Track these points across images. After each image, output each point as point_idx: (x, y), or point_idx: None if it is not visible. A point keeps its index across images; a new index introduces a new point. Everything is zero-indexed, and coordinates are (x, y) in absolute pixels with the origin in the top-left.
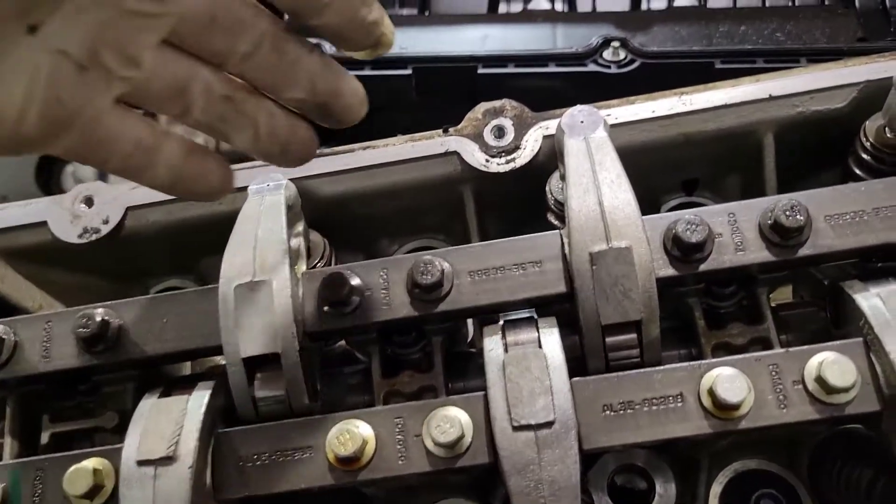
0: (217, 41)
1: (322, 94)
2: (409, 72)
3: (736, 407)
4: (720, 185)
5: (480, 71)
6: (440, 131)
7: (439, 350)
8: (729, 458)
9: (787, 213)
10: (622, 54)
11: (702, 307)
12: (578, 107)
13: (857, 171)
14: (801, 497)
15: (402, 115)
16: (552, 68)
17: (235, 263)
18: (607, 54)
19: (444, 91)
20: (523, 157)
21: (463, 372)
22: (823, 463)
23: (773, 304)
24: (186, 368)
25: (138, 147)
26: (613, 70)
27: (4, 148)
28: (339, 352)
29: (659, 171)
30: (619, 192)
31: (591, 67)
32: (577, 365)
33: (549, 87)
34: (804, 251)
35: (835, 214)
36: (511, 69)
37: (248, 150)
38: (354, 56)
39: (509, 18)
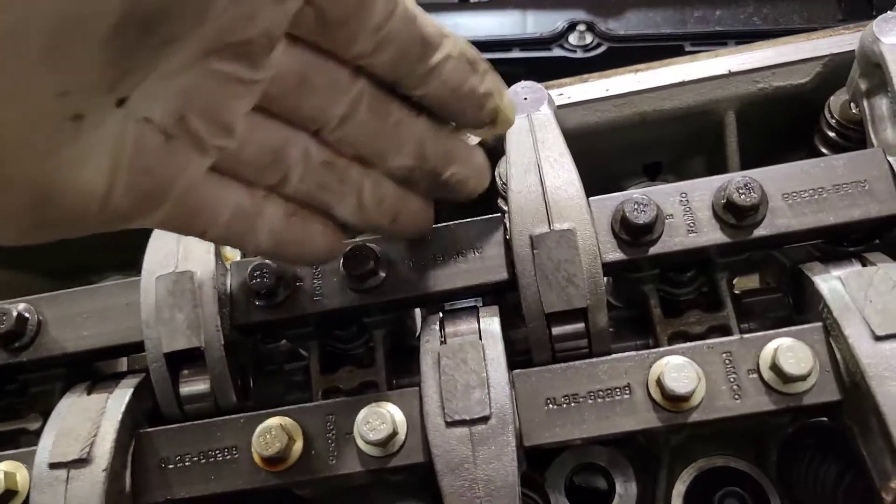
0: (310, 103)
1: (432, 160)
2: None
3: (685, 398)
4: (684, 169)
5: None
6: None
7: (381, 344)
8: (693, 454)
9: (741, 191)
10: (588, 38)
11: (658, 295)
12: (522, 83)
13: (823, 150)
14: (769, 494)
15: None
16: (516, 54)
17: (158, 254)
18: (573, 38)
19: None
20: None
21: (408, 367)
22: (792, 459)
23: (736, 292)
24: (123, 365)
25: (238, 214)
26: (579, 55)
27: (97, 223)
28: (285, 350)
29: (618, 155)
30: (561, 172)
31: (557, 52)
32: (530, 359)
33: (513, 73)
34: (760, 231)
35: (793, 192)
36: None
37: (354, 222)
38: (472, 136)
39: (480, 6)
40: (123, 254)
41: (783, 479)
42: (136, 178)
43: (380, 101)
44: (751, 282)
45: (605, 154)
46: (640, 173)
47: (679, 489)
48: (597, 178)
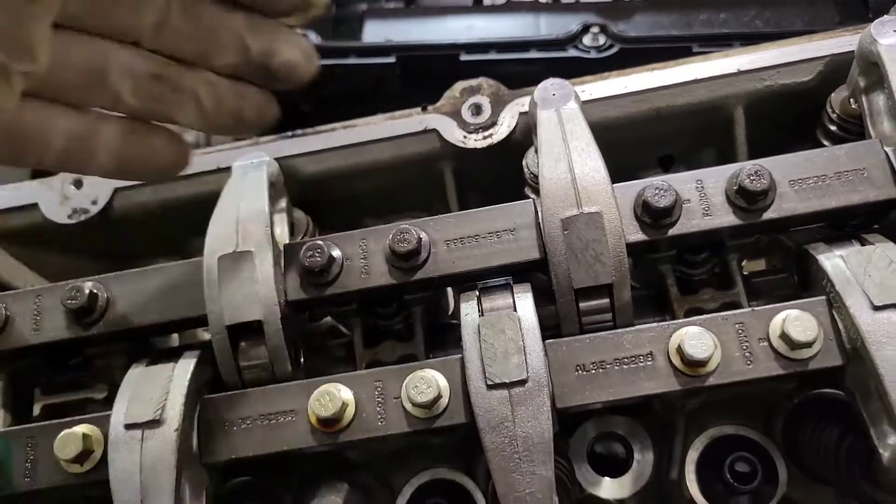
0: (119, 15)
1: (257, 54)
2: (393, 60)
3: (703, 363)
4: (695, 160)
5: (463, 58)
6: (419, 109)
7: (420, 320)
8: (706, 423)
9: (752, 177)
10: (602, 40)
11: (675, 274)
12: (550, 80)
13: (825, 143)
14: (776, 460)
15: (387, 103)
16: (533, 54)
17: (219, 236)
18: (587, 40)
19: (428, 79)
20: (500, 133)
21: (443, 342)
22: (797, 427)
23: (745, 273)
24: (175, 343)
25: (72, 138)
26: (593, 55)
27: None
28: (325, 328)
29: (634, 147)
30: (588, 160)
31: (572, 53)
32: (555, 334)
33: (531, 72)
34: (769, 214)
35: (798, 179)
36: (493, 56)
37: (199, 128)
38: (289, 23)
39: (493, 9)
40: (168, 242)
41: (789, 445)
42: None
43: (191, 4)
44: (758, 266)
45: (623, 147)
46: (655, 165)
47: (692, 456)
48: (614, 170)
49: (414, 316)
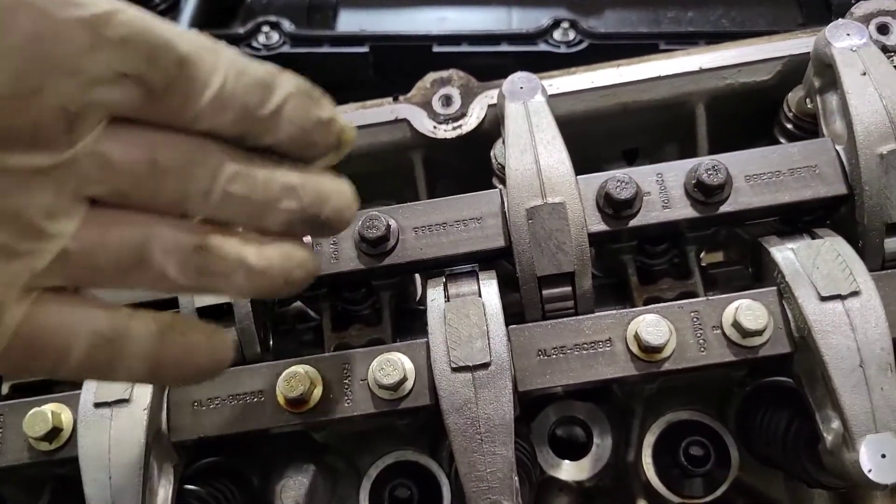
0: (168, 186)
1: (309, 206)
2: (366, 49)
3: (659, 349)
4: (658, 155)
5: (435, 49)
6: (390, 99)
7: (387, 305)
8: (662, 409)
9: (709, 172)
10: (571, 35)
11: (635, 264)
12: (518, 74)
13: (782, 140)
14: (728, 445)
15: (359, 92)
16: (504, 47)
17: None
18: (557, 35)
19: (401, 70)
20: (469, 123)
21: (410, 327)
22: (749, 413)
23: (703, 265)
24: None
25: (98, 341)
26: (563, 50)
27: None
28: (294, 312)
29: (601, 140)
30: (553, 152)
31: (542, 47)
32: (520, 320)
33: (501, 65)
34: (725, 208)
35: (754, 175)
36: (465, 48)
37: (246, 296)
38: (320, 165)
39: (466, 2)
40: None
41: (741, 430)
42: None
43: (240, 163)
44: (716, 259)
45: (590, 140)
46: (620, 158)
47: (649, 440)
48: (580, 162)
49: (382, 301)
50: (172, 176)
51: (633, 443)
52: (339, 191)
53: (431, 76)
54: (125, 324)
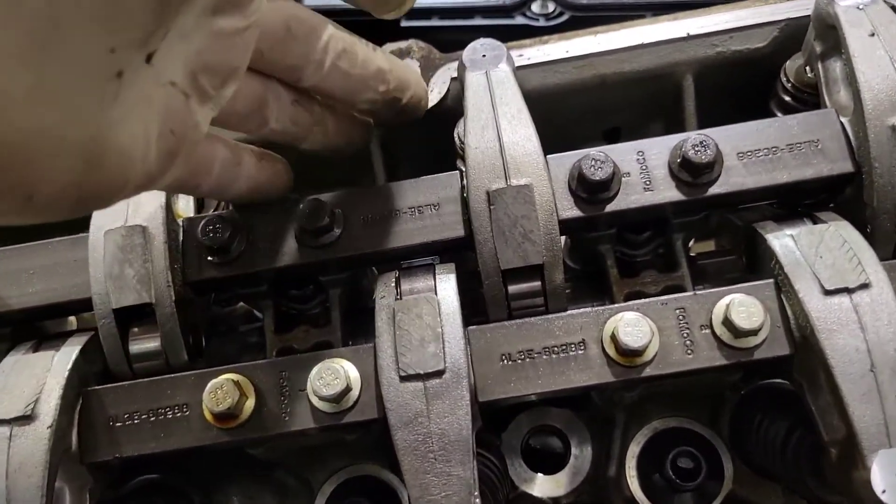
0: (294, 51)
1: (394, 90)
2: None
3: (639, 353)
4: (642, 134)
5: (404, 24)
6: None
7: (337, 303)
8: (648, 416)
9: (696, 148)
10: (550, 6)
11: (615, 255)
12: (482, 40)
13: (779, 115)
14: (722, 455)
15: None
16: (478, 21)
17: (107, 209)
18: (535, 7)
19: None
20: (430, 98)
21: (364, 328)
22: (744, 420)
23: (692, 255)
24: (73, 326)
25: (224, 166)
26: (542, 23)
27: (133, 188)
28: (241, 312)
29: (577, 118)
30: (519, 128)
31: (519, 20)
32: (486, 321)
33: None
34: (715, 189)
35: (748, 151)
36: (435, 22)
37: (318, 149)
38: (385, 17)
39: None
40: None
41: (735, 439)
42: (164, 139)
43: (346, 42)
44: (707, 248)
45: (566, 118)
46: (600, 138)
47: (633, 450)
48: (555, 143)
49: (331, 299)
50: (299, 42)
51: (614, 454)
52: (417, 81)
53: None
54: (240, 153)
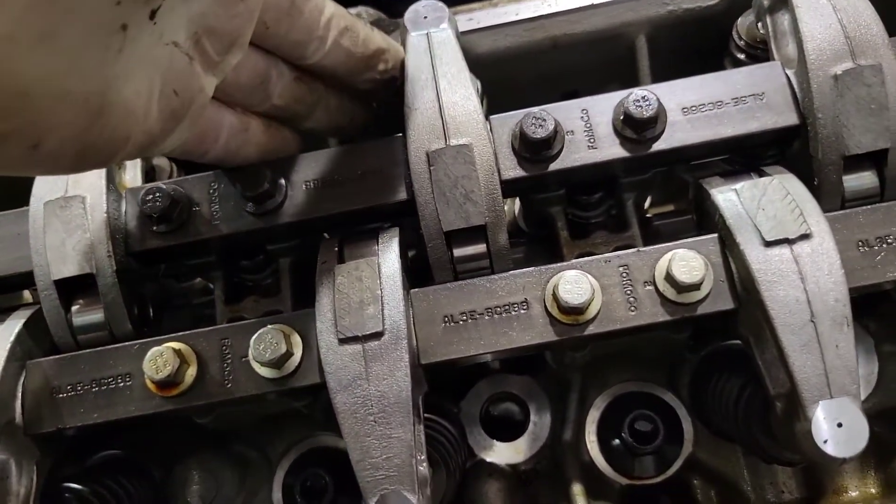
0: (298, 26)
1: (392, 69)
2: None
3: (581, 310)
4: None
5: None
6: None
7: (286, 272)
8: (606, 380)
9: (638, 103)
10: None
11: (566, 217)
12: (423, 1)
13: None
14: (681, 417)
15: None
16: None
17: (47, 179)
18: None
19: None
20: None
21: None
22: (702, 382)
23: (648, 215)
24: (27, 300)
25: (232, 133)
26: None
27: (133, 148)
28: (198, 288)
29: (534, 82)
30: (458, 88)
31: None
32: None
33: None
34: (659, 145)
35: (692, 107)
36: None
37: (322, 127)
38: None
39: None
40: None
41: (695, 400)
42: (167, 99)
43: (349, 20)
44: (667, 210)
45: (523, 82)
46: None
47: (594, 415)
48: (513, 107)
49: (280, 268)
50: (304, 17)
51: (571, 418)
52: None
53: None
54: (247, 121)
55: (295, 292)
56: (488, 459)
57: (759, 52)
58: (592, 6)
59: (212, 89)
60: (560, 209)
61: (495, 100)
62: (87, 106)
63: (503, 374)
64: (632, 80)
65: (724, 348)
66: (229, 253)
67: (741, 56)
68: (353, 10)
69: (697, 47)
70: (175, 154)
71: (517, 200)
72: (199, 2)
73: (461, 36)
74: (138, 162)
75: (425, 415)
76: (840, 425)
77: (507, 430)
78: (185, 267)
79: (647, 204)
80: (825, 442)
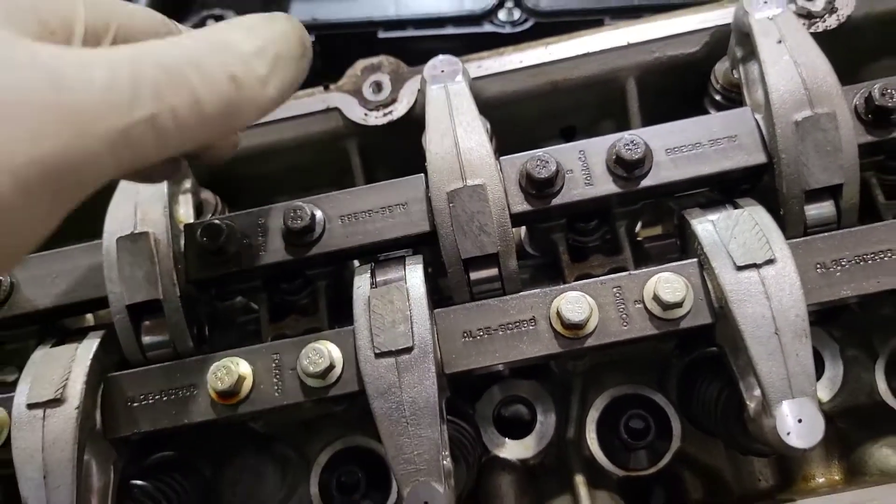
0: None
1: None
2: (312, 39)
3: (580, 326)
4: (595, 131)
5: (381, 35)
6: (321, 88)
7: (323, 294)
8: (604, 384)
9: (627, 147)
10: (516, 14)
11: (567, 242)
12: (440, 57)
13: (712, 112)
14: (670, 416)
15: (307, 84)
16: (450, 30)
17: (117, 218)
18: (502, 14)
19: (348, 57)
20: (399, 109)
21: (348, 315)
22: (688, 385)
23: (639, 239)
24: (91, 323)
25: None
26: (508, 30)
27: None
28: (240, 306)
29: (537, 120)
30: (473, 135)
31: (487, 28)
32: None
33: (449, 49)
34: (647, 182)
35: (674, 148)
36: (410, 32)
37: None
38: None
39: None
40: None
41: (681, 401)
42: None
43: None
44: (655, 232)
45: (526, 120)
46: (558, 136)
47: (593, 415)
48: (518, 143)
49: (318, 290)
50: None
51: (573, 418)
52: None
53: (361, 63)
54: None
55: (331, 311)
56: (501, 455)
57: (734, 94)
58: (588, 54)
59: None
60: (561, 235)
61: (503, 136)
62: None
63: (513, 380)
64: (623, 118)
65: (705, 355)
66: (273, 278)
67: (719, 98)
68: (376, 59)
69: (681, 89)
70: None
71: (524, 227)
72: None
73: (472, 81)
74: (190, 197)
75: (447, 416)
76: (800, 421)
77: (517, 429)
78: (235, 291)
79: (638, 227)
80: (788, 434)
